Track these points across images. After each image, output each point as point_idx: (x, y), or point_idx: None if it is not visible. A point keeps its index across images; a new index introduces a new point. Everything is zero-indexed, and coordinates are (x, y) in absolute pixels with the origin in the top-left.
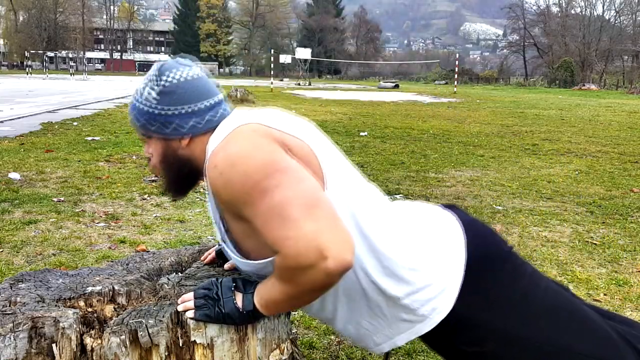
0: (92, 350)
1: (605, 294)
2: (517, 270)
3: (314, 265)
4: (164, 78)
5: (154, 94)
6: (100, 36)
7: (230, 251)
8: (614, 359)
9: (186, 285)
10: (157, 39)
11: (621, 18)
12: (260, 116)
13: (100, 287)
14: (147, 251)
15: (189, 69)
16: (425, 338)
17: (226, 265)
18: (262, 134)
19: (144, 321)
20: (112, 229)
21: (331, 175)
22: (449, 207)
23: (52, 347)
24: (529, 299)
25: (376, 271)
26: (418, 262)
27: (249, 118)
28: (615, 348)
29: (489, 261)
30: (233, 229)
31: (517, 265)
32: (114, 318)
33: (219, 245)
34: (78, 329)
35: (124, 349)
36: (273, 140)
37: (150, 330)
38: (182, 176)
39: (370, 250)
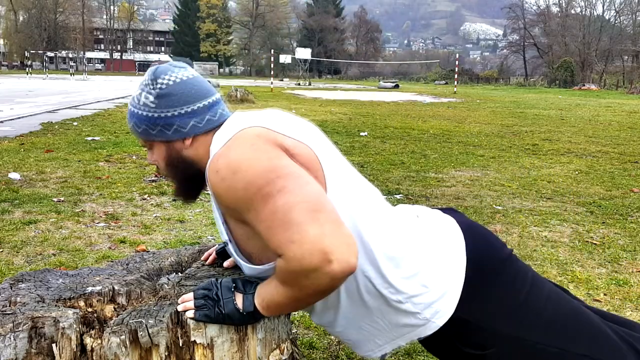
0: (92, 350)
1: (605, 294)
2: (517, 274)
3: (318, 268)
4: (159, 81)
5: (151, 98)
6: (100, 36)
7: (234, 253)
8: None
9: (186, 285)
10: (157, 39)
11: (621, 18)
12: (263, 119)
13: (100, 287)
14: (147, 251)
15: (183, 70)
16: (425, 342)
17: (225, 263)
18: (265, 138)
19: (144, 321)
20: (112, 229)
21: (333, 179)
22: (448, 210)
23: (52, 347)
24: (530, 302)
25: (377, 275)
26: (419, 266)
27: (252, 121)
28: (616, 350)
29: (490, 264)
30: (235, 231)
31: (518, 268)
32: (114, 318)
33: (220, 245)
34: (78, 329)
35: (124, 349)
36: (275, 145)
37: (150, 330)
38: (189, 177)
39: (371, 254)
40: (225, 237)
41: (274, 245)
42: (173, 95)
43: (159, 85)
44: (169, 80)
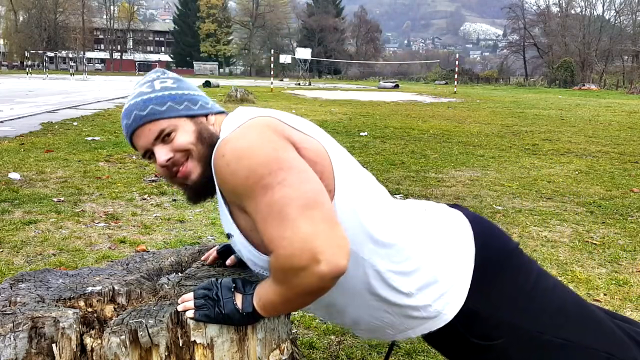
0: (92, 350)
1: (605, 294)
2: (524, 266)
3: (306, 267)
4: (165, 74)
5: (169, 83)
6: (100, 36)
7: (240, 244)
8: (618, 352)
9: (186, 285)
10: (157, 39)
11: (621, 18)
12: (272, 111)
13: (100, 287)
14: (147, 251)
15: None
16: (430, 336)
17: (228, 262)
18: (274, 129)
19: (144, 321)
20: (112, 229)
21: (341, 174)
22: (454, 205)
23: (52, 347)
24: (537, 294)
25: (387, 269)
26: (429, 258)
27: (262, 112)
28: (620, 342)
29: (497, 256)
30: (239, 221)
31: (524, 261)
32: (114, 318)
33: (220, 245)
34: (78, 329)
35: (124, 349)
36: (283, 137)
37: (150, 330)
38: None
39: (381, 248)
40: (228, 229)
41: (267, 239)
42: (183, 81)
43: (167, 75)
44: (169, 74)
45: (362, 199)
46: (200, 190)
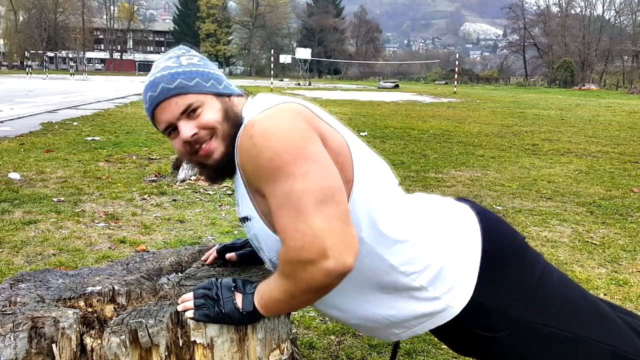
0: (92, 350)
1: (605, 294)
2: (531, 260)
3: (314, 262)
4: (190, 52)
5: (196, 59)
6: (100, 36)
7: (258, 227)
8: (622, 345)
9: (186, 285)
10: (157, 39)
11: (621, 18)
12: (300, 100)
13: (100, 287)
14: (147, 251)
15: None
16: (436, 329)
17: (228, 255)
18: (304, 117)
19: (144, 321)
20: (112, 229)
21: (360, 167)
22: (461, 199)
23: (52, 347)
24: (543, 287)
25: (398, 262)
26: (438, 252)
27: (292, 99)
28: (625, 335)
29: (504, 249)
30: (259, 204)
31: (530, 254)
32: (114, 318)
33: (220, 245)
34: (78, 329)
35: (124, 349)
36: (312, 127)
37: (150, 330)
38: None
39: (394, 243)
40: (245, 212)
41: (280, 228)
42: (208, 60)
43: (192, 53)
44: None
45: (377, 195)
46: (220, 169)
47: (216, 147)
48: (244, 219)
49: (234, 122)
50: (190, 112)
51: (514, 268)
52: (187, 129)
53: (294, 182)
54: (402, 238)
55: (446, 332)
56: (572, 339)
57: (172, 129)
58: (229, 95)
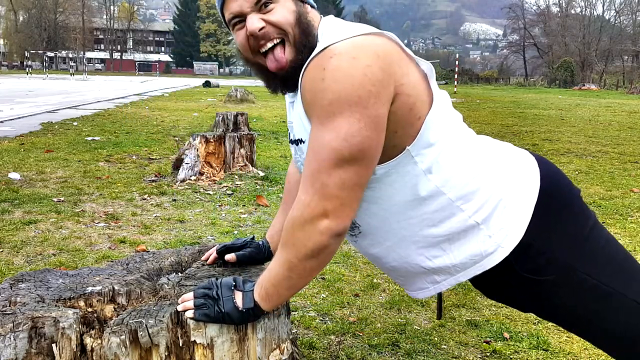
0: (92, 350)
1: None
2: (583, 211)
3: (313, 220)
4: None
5: None
6: (100, 36)
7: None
8: None
9: (186, 285)
10: (157, 39)
11: (621, 18)
12: (382, 32)
13: (100, 287)
14: (147, 251)
15: None
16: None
17: (227, 257)
18: (382, 63)
19: (144, 321)
20: (112, 229)
21: (437, 100)
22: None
23: (52, 347)
24: (592, 239)
25: (456, 196)
26: (499, 187)
27: (375, 30)
28: None
29: (560, 195)
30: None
31: (584, 206)
32: (114, 318)
33: (220, 245)
34: (78, 329)
35: (124, 349)
36: (389, 75)
37: (150, 330)
38: (307, 45)
39: (455, 175)
40: (299, 134)
41: (306, 173)
42: None
43: None
44: None
45: (450, 128)
46: (282, 79)
47: (287, 54)
48: (297, 142)
49: (305, 30)
50: (262, 5)
51: (568, 215)
52: (255, 20)
53: (338, 134)
54: (461, 172)
55: (488, 277)
56: (612, 293)
57: (238, 21)
58: (303, 1)
